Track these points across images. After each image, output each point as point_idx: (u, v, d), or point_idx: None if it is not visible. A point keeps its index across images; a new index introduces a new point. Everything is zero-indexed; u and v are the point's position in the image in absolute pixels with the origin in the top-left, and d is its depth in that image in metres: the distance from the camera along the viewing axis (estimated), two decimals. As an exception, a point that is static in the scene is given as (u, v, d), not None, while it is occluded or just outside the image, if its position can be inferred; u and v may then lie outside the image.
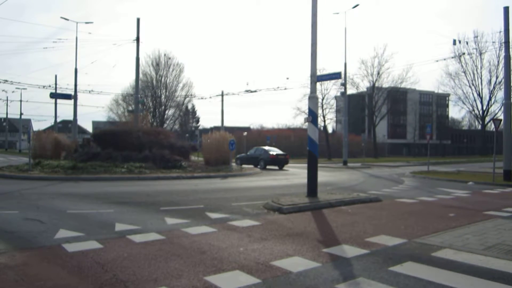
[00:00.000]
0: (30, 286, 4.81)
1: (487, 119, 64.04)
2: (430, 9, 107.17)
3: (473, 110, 61.51)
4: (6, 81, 35.29)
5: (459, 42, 35.29)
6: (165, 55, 55.32)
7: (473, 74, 51.65)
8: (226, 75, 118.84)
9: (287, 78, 51.03)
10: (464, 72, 52.06)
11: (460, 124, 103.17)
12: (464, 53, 37.42)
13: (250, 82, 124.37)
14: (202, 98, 64.11)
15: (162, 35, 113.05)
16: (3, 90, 67.11)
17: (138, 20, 26.45)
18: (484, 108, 61.73)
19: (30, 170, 20.21)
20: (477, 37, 46.77)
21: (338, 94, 51.27)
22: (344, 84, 35.40)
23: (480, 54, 48.30)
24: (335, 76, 15.83)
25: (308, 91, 23.26)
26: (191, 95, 56.53)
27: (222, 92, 45.36)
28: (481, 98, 56.55)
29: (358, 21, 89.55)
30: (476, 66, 51.56)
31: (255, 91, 39.73)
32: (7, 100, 60.92)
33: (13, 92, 50.12)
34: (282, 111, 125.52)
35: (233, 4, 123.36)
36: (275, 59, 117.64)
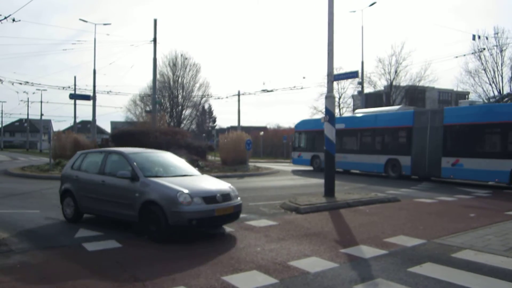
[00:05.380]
0: (51, 285, 4.90)
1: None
2: (446, 5, 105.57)
3: None
4: (27, 82, 35.87)
5: (479, 37, 34.44)
6: (181, 55, 55.56)
7: (494, 71, 50.57)
8: (243, 75, 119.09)
9: (304, 77, 51.31)
10: (484, 70, 50.96)
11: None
12: (484, 49, 36.62)
13: (267, 82, 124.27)
14: (218, 98, 64.28)
15: (179, 35, 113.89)
16: (24, 92, 68.05)
17: (155, 21, 26.66)
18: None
19: (50, 170, 20.56)
20: (497, 33, 45.80)
21: (355, 93, 50.80)
22: (361, 83, 35.00)
23: (501, 51, 47.27)
24: (352, 75, 15.68)
25: (324, 90, 22.74)
26: (208, 95, 56.72)
27: (239, 92, 45.37)
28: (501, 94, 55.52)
29: (374, 19, 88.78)
30: (496, 63, 50.45)
31: (271, 91, 39.59)
32: (28, 101, 61.97)
33: (33, 93, 50.80)
34: (299, 110, 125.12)
35: (250, 3, 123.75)
36: (291, 58, 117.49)
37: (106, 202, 7.78)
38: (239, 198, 7.81)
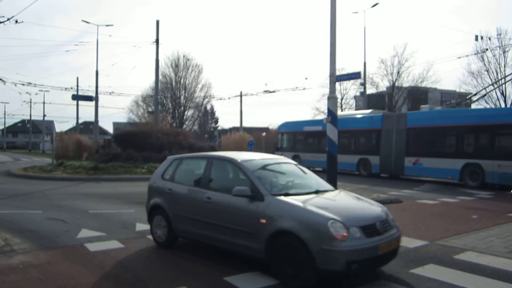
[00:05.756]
0: (54, 285, 4.91)
1: (511, 118, 62.48)
2: (448, 6, 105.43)
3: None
4: (30, 83, 35.81)
5: (481, 38, 34.36)
6: (184, 56, 55.60)
7: (496, 72, 50.47)
8: (245, 76, 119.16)
9: (306, 78, 51.17)
10: (487, 71, 50.87)
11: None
12: (487, 50, 36.55)
13: (269, 83, 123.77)
14: (221, 99, 64.41)
15: (181, 36, 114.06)
16: (26, 93, 68.07)
17: (157, 22, 26.70)
18: (508, 107, 60.42)
19: (53, 170, 20.61)
20: (500, 34, 45.69)
21: (358, 94, 50.83)
22: (363, 84, 34.97)
23: (504, 52, 47.16)
24: (354, 76, 15.69)
25: (327, 91, 23.08)
26: (210, 96, 56.73)
27: (241, 93, 45.37)
28: (505, 97, 55.15)
29: (377, 20, 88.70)
30: (499, 64, 50.34)
31: (273, 92, 39.53)
32: (30, 102, 62.13)
33: (36, 94, 50.92)
34: (301, 111, 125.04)
35: (252, 4, 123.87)
36: (293, 59, 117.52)
37: (214, 227, 5.81)
38: (396, 223, 5.61)
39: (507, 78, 32.78)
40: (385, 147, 20.84)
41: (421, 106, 22.98)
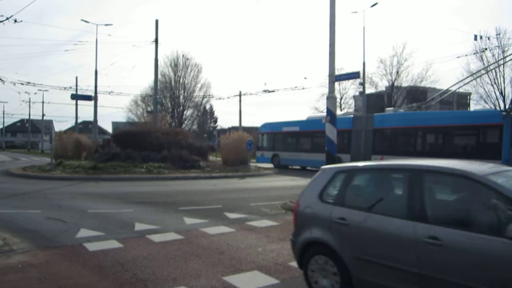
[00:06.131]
0: (52, 284, 4.91)
1: (510, 118, 62.56)
2: (447, 6, 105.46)
3: (495, 109, 60.21)
4: (29, 83, 35.91)
5: (481, 37, 34.43)
6: (183, 55, 55.54)
7: (495, 72, 50.53)
8: (244, 75, 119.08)
9: (305, 78, 51.17)
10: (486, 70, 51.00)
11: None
12: (486, 49, 36.68)
13: (268, 82, 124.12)
14: (220, 99, 64.52)
15: (180, 36, 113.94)
16: (25, 92, 68.19)
17: (156, 21, 26.66)
18: (507, 107, 60.31)
19: (52, 170, 20.59)
20: (499, 34, 45.73)
21: (357, 93, 50.80)
22: (362, 84, 34.99)
23: (503, 51, 47.21)
24: (353, 75, 15.73)
25: (326, 90, 23.32)
26: (209, 95, 56.67)
27: (240, 92, 45.38)
28: (504, 97, 55.09)
29: (376, 19, 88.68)
30: (498, 63, 50.47)
31: (273, 91, 39.54)
32: (29, 101, 62.02)
33: (35, 93, 50.85)
34: (300, 110, 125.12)
35: (251, 4, 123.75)
36: (293, 58, 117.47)
37: (443, 285, 3.62)
38: None
39: (507, 59, 33.75)
40: (355, 146, 22.52)
41: (387, 108, 24.46)
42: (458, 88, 32.14)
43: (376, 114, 23.09)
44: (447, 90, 27.57)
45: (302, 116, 30.28)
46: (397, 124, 20.52)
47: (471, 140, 17.94)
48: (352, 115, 23.96)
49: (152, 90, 38.59)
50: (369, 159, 20.68)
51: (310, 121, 26.39)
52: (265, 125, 30.32)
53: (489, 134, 17.26)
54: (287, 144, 27.68)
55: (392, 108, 25.49)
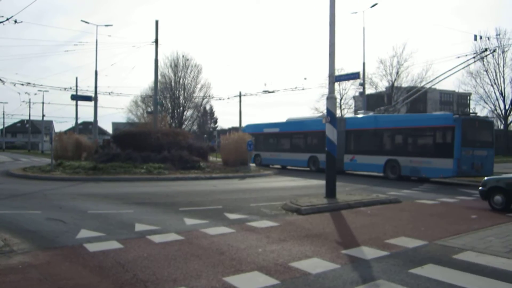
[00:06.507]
0: (53, 285, 4.91)
1: (510, 118, 62.56)
2: (447, 6, 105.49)
3: (495, 109, 60.03)
4: (29, 83, 35.88)
5: (480, 38, 34.47)
6: (183, 56, 55.60)
7: (495, 72, 50.56)
8: (244, 76, 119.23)
9: (305, 78, 50.98)
10: (486, 71, 51.00)
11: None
12: (486, 49, 36.68)
13: (268, 83, 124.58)
14: (220, 99, 64.67)
15: (180, 36, 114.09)
16: (25, 93, 68.39)
17: (156, 22, 26.65)
18: (507, 107, 60.32)
19: (52, 170, 20.59)
20: (499, 34, 45.80)
21: (357, 94, 50.90)
22: (362, 84, 35.07)
23: (503, 52, 47.26)
24: (353, 76, 15.75)
25: (326, 91, 23.68)
26: (209, 96, 56.74)
27: (240, 93, 45.45)
28: (504, 97, 55.22)
29: (376, 20, 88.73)
30: (498, 64, 50.46)
31: (273, 92, 39.57)
32: (29, 102, 62.19)
33: (35, 94, 51.00)
34: (300, 111, 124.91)
35: (251, 4, 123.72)
36: (293, 59, 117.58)
37: None
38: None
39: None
40: None
41: (358, 111, 26.08)
42: (422, 90, 33.83)
43: (348, 117, 25.78)
44: (412, 94, 30.39)
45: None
46: (366, 126, 22.60)
47: (429, 140, 19.79)
48: None
49: (152, 90, 38.60)
50: (342, 158, 22.53)
51: (290, 123, 28.30)
52: (248, 127, 32.02)
53: (443, 135, 19.06)
54: (268, 144, 29.50)
55: (363, 111, 27.58)
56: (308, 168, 25.92)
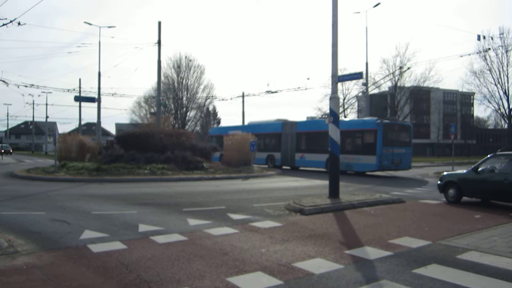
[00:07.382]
0: (57, 286, 4.92)
1: (514, 118, 62.31)
2: (450, 6, 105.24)
3: (499, 109, 59.79)
4: (33, 85, 35.97)
5: (484, 37, 34.37)
6: (186, 57, 55.76)
7: (499, 72, 50.34)
8: (247, 76, 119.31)
9: (308, 79, 51.12)
10: (490, 70, 50.78)
11: (485, 123, 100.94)
12: (489, 49, 36.61)
13: (271, 83, 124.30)
14: (223, 100, 64.64)
15: (183, 37, 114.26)
16: (29, 94, 68.48)
17: (159, 23, 26.71)
18: (511, 106, 60.22)
19: (56, 172, 20.65)
20: (502, 33, 45.62)
21: (360, 94, 50.84)
22: (365, 84, 35.03)
23: (507, 51, 47.08)
24: (356, 76, 15.69)
25: (329, 91, 23.69)
26: (212, 96, 56.85)
27: (243, 93, 45.45)
28: (508, 97, 54.99)
29: (379, 20, 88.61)
30: (502, 63, 50.23)
31: (275, 92, 39.52)
32: (33, 103, 62.32)
33: (39, 96, 51.73)
34: (303, 111, 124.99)
35: (254, 5, 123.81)
36: (295, 59, 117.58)
37: None
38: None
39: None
40: (284, 146, 28.58)
41: (307, 116, 29.98)
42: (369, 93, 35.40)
43: (298, 121, 29.21)
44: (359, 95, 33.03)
45: (303, 117, 32.58)
46: (311, 129, 26.79)
47: (358, 141, 23.79)
48: (282, 121, 29.96)
49: (155, 91, 38.67)
50: (293, 156, 27.24)
51: (250, 126, 31.99)
52: (214, 129, 37.10)
53: (368, 136, 22.96)
54: None
55: (310, 116, 32.37)
56: (266, 165, 29.27)
